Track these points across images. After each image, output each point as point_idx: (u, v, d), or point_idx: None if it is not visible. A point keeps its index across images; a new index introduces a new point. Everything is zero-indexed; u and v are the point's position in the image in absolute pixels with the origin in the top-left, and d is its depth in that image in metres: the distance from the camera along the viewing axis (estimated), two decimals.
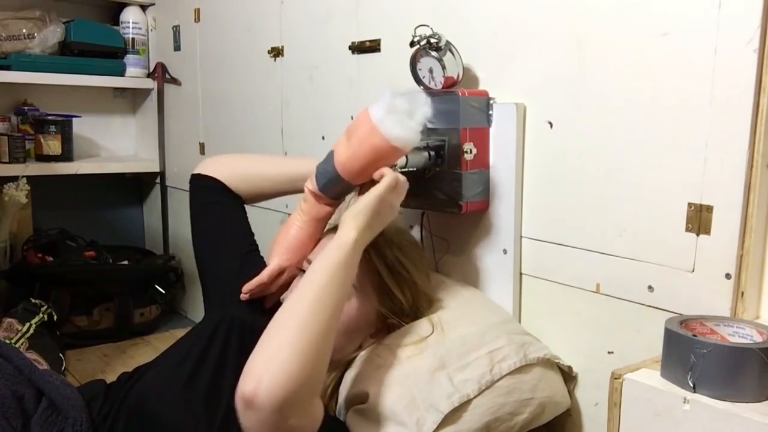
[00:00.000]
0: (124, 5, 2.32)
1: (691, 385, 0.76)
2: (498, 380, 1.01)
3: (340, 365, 1.09)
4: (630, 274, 1.02)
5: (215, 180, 1.24)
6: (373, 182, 1.03)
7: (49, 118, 2.16)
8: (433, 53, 1.16)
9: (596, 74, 1.04)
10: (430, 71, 1.18)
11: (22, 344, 1.62)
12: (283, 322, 0.88)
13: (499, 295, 1.20)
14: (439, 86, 1.18)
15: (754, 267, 0.91)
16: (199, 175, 1.26)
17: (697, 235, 0.94)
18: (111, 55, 2.28)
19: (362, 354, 1.07)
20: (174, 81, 2.26)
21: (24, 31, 2.09)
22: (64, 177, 2.19)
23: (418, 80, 1.21)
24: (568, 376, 1.12)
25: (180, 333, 1.27)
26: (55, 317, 1.80)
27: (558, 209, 1.12)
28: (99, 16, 2.37)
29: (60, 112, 2.23)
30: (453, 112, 1.14)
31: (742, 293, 0.91)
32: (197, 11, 2.07)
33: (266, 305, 1.13)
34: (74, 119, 2.23)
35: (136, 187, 2.56)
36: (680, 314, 0.91)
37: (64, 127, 2.17)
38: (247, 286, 1.11)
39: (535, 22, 1.12)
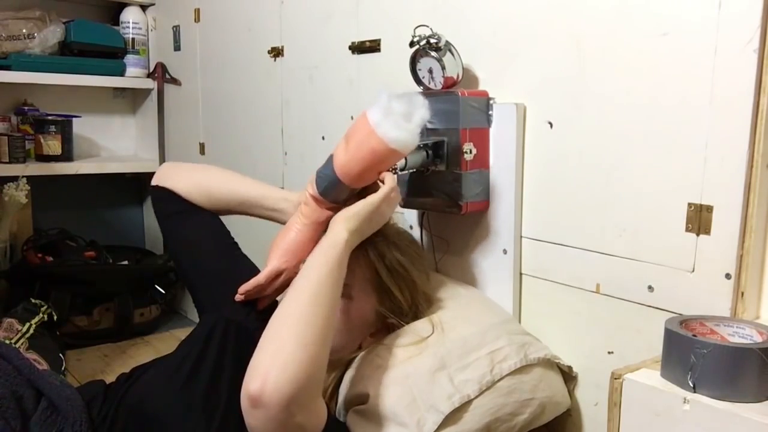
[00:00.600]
0: (124, 5, 2.32)
1: (691, 385, 0.76)
2: (498, 381, 1.01)
3: (339, 365, 1.09)
4: (630, 274, 1.02)
5: (173, 192, 1.22)
6: (373, 187, 1.04)
7: (49, 118, 2.16)
8: (433, 53, 1.16)
9: (596, 74, 1.04)
10: (430, 71, 1.18)
11: (22, 344, 1.62)
12: (284, 318, 0.89)
13: (499, 295, 1.20)
14: (439, 86, 1.18)
15: (754, 267, 0.91)
16: (157, 187, 1.24)
17: (697, 235, 0.94)
18: (111, 55, 2.28)
19: (362, 354, 1.06)
20: (174, 81, 2.26)
21: (24, 31, 2.09)
22: (64, 177, 2.19)
23: (418, 80, 1.21)
24: (568, 376, 1.12)
25: (180, 333, 1.27)
26: (55, 317, 1.80)
27: (558, 209, 1.12)
28: (99, 16, 2.37)
29: (60, 112, 2.23)
30: (453, 112, 1.14)
31: (742, 293, 0.91)
32: (197, 11, 2.07)
33: (260, 307, 1.12)
34: (74, 119, 2.23)
35: (136, 187, 2.56)
36: (680, 314, 0.91)
37: (64, 127, 2.17)
38: (244, 288, 1.11)
39: (535, 22, 1.12)
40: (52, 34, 2.12)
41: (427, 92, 1.20)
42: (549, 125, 1.12)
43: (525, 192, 1.17)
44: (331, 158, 1.05)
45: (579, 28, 1.06)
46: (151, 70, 2.34)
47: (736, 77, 0.88)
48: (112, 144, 2.50)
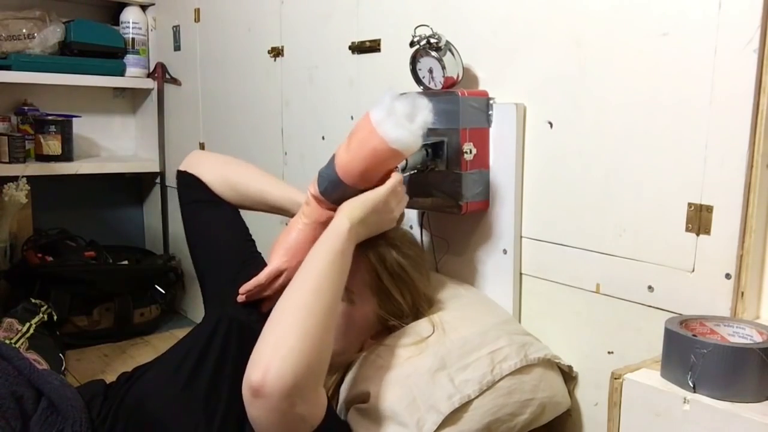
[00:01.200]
0: (124, 5, 2.32)
1: (691, 385, 0.76)
2: (499, 381, 1.01)
3: (341, 367, 1.09)
4: (630, 274, 1.02)
5: (200, 180, 1.22)
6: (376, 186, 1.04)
7: (49, 118, 2.16)
8: (433, 53, 1.16)
9: (596, 74, 1.04)
10: (430, 71, 1.18)
11: (22, 344, 1.62)
12: (287, 308, 0.89)
13: (499, 295, 1.20)
14: (439, 86, 1.18)
15: (754, 267, 0.91)
16: (185, 173, 1.25)
17: (697, 235, 0.94)
18: (111, 55, 2.28)
19: (363, 355, 1.06)
20: (174, 81, 2.26)
21: (24, 31, 2.09)
22: (64, 177, 2.19)
23: (418, 80, 1.21)
24: (568, 377, 1.12)
25: (180, 333, 1.27)
26: (55, 317, 1.81)
27: (558, 209, 1.12)
28: (99, 16, 2.37)
29: (60, 112, 2.23)
30: (453, 112, 1.14)
31: (742, 293, 0.91)
32: (197, 11, 2.07)
33: (263, 310, 1.11)
34: (74, 119, 2.23)
35: (136, 187, 2.56)
36: (680, 314, 0.91)
37: (64, 127, 2.17)
38: (245, 287, 1.10)
39: (535, 22, 1.12)
40: (52, 34, 2.12)
41: (427, 92, 1.20)
42: (549, 125, 1.12)
43: (525, 192, 1.17)
44: (333, 158, 1.05)
45: (579, 28, 1.06)
46: (151, 70, 2.35)
47: (736, 77, 0.88)
48: (112, 144, 2.50)
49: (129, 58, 2.31)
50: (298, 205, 1.14)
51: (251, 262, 1.18)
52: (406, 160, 1.10)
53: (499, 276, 1.20)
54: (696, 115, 0.92)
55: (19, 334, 1.64)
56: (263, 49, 1.77)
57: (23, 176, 2.01)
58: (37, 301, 1.80)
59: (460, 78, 1.18)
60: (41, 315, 1.75)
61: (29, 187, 2.00)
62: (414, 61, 1.20)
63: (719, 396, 0.74)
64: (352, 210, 0.99)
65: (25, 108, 2.21)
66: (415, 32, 1.17)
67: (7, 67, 2.06)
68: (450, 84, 1.17)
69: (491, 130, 1.18)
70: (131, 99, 2.51)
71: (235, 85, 1.93)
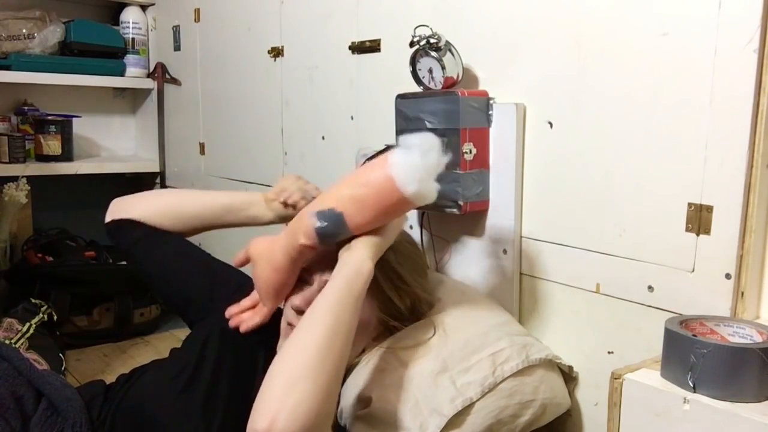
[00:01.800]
0: (124, 5, 2.32)
1: (691, 385, 0.76)
2: (500, 382, 1.01)
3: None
4: (630, 274, 1.02)
5: (130, 221, 1.20)
6: None
7: (49, 118, 2.16)
8: (433, 53, 1.16)
9: (596, 74, 1.04)
10: (430, 71, 1.18)
11: (22, 344, 1.62)
12: (299, 350, 0.83)
13: (499, 295, 1.20)
14: (439, 86, 1.18)
15: (754, 267, 0.91)
16: (113, 221, 1.21)
17: (697, 235, 0.94)
18: (111, 55, 2.28)
19: (364, 357, 1.06)
20: (174, 81, 2.26)
21: (24, 31, 2.09)
22: (64, 177, 2.18)
23: (418, 80, 1.21)
24: (569, 377, 1.12)
25: (180, 333, 1.27)
26: (55, 317, 1.80)
27: (558, 209, 1.12)
28: (99, 16, 2.37)
29: (60, 112, 2.23)
30: (453, 112, 1.14)
31: (742, 293, 0.91)
32: (197, 11, 2.07)
33: (242, 330, 1.05)
34: (74, 119, 2.23)
35: (136, 187, 2.55)
36: (680, 314, 0.91)
37: (64, 127, 2.17)
38: (230, 311, 1.07)
39: (535, 22, 1.12)
40: (52, 34, 2.12)
41: (427, 92, 1.20)
42: (549, 125, 1.12)
43: (525, 192, 1.16)
44: (334, 213, 0.93)
45: (579, 27, 1.06)
46: (151, 70, 2.34)
47: (736, 77, 0.88)
48: (112, 144, 2.50)
49: (129, 58, 2.31)
50: (239, 201, 1.13)
51: (217, 273, 1.19)
52: None
53: (499, 276, 1.20)
54: (696, 115, 0.92)
55: (19, 334, 1.64)
56: (263, 49, 1.77)
57: (23, 176, 2.01)
58: (37, 301, 1.79)
59: (460, 78, 1.18)
60: (41, 315, 1.74)
61: (29, 187, 2.00)
62: (414, 61, 1.20)
63: (719, 396, 0.74)
64: (372, 247, 0.93)
65: (25, 108, 2.21)
66: (415, 32, 1.17)
67: (7, 67, 2.06)
68: (450, 84, 1.17)
69: (491, 130, 1.18)
70: (131, 99, 2.51)
71: (235, 85, 1.93)
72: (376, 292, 1.06)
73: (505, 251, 1.18)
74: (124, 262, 2.22)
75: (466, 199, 1.15)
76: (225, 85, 1.98)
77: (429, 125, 1.17)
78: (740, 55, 0.87)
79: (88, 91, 2.37)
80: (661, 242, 0.98)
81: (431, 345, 1.03)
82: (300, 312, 1.03)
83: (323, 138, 1.61)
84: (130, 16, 2.31)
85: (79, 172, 2.20)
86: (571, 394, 1.13)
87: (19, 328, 1.66)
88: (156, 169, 2.37)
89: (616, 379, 0.82)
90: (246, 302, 1.07)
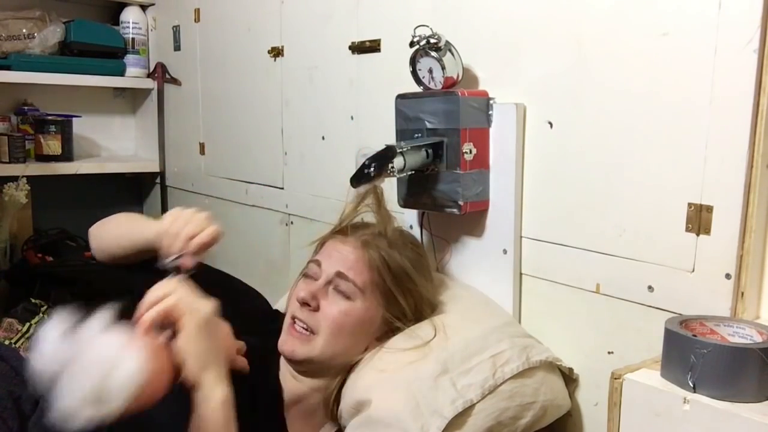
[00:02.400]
0: (124, 5, 2.32)
1: (691, 385, 0.76)
2: (501, 384, 1.01)
3: (344, 368, 1.09)
4: (630, 274, 1.02)
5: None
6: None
7: (49, 118, 2.16)
8: (433, 53, 1.16)
9: (596, 74, 1.04)
10: (430, 71, 1.18)
11: (22, 344, 1.62)
12: None
13: (499, 295, 1.20)
14: (439, 86, 1.18)
15: (754, 267, 0.91)
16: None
17: (697, 235, 0.94)
18: (111, 55, 2.28)
19: (365, 358, 1.07)
20: (174, 81, 2.26)
21: (24, 31, 2.09)
22: (64, 177, 2.18)
23: (418, 80, 1.21)
24: (569, 378, 1.12)
25: None
26: None
27: (558, 209, 1.12)
28: (99, 16, 2.37)
29: (60, 112, 2.22)
30: (453, 112, 1.14)
31: (742, 293, 0.91)
32: (197, 11, 2.07)
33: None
34: (74, 119, 2.23)
35: (136, 187, 2.56)
36: (680, 314, 0.91)
37: (64, 127, 2.17)
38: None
39: (535, 22, 1.12)
40: (52, 34, 2.12)
41: (427, 92, 1.20)
42: (549, 125, 1.12)
43: (525, 192, 1.16)
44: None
45: (579, 27, 1.06)
46: (151, 70, 2.34)
47: (736, 77, 0.88)
48: (112, 144, 2.50)
49: (129, 58, 2.31)
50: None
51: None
52: (405, 160, 1.10)
53: (499, 276, 1.20)
54: (696, 115, 0.92)
55: (19, 334, 1.64)
56: (263, 49, 1.77)
57: (23, 176, 2.01)
58: (37, 301, 1.79)
59: (460, 78, 1.18)
60: (41, 315, 1.74)
61: (29, 187, 2.00)
62: (414, 61, 1.20)
63: (719, 396, 0.74)
64: (211, 370, 0.88)
65: (25, 108, 2.21)
66: (415, 32, 1.17)
67: (7, 67, 2.05)
68: (450, 84, 1.17)
69: (491, 130, 1.18)
70: (131, 99, 2.51)
71: (235, 85, 1.93)
72: (383, 291, 1.07)
73: (505, 251, 1.18)
74: None
75: (466, 199, 1.15)
76: (225, 85, 1.98)
77: (429, 125, 1.17)
78: (740, 55, 0.87)
79: (88, 91, 2.36)
80: (661, 242, 0.98)
81: (432, 347, 1.03)
82: (304, 304, 1.04)
83: (323, 138, 1.61)
84: (130, 16, 2.30)
85: (79, 172, 2.20)
86: (571, 394, 1.13)
87: (19, 328, 1.66)
88: (156, 169, 2.37)
89: (616, 379, 0.82)
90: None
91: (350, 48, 1.49)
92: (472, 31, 1.22)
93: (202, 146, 2.12)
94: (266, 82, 1.78)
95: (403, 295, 1.08)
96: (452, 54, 1.17)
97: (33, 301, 1.79)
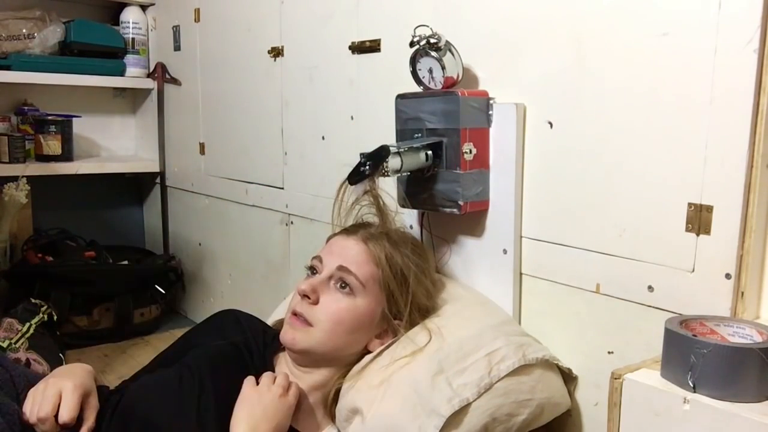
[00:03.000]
0: (124, 5, 2.32)
1: (691, 385, 0.76)
2: (496, 382, 1.01)
3: (344, 364, 1.09)
4: (630, 274, 1.02)
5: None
6: None
7: (49, 118, 2.16)
8: (433, 53, 1.16)
9: (596, 74, 1.04)
10: (430, 71, 1.18)
11: (22, 344, 1.62)
12: None
13: (499, 295, 1.20)
14: (439, 86, 1.18)
15: (754, 267, 0.91)
16: None
17: (697, 235, 0.94)
18: (111, 55, 2.28)
19: (362, 365, 1.07)
20: (174, 81, 2.26)
21: (24, 31, 2.09)
22: (64, 177, 2.19)
23: (418, 80, 1.21)
24: (568, 377, 1.12)
25: (180, 333, 1.28)
26: (55, 317, 1.80)
27: (558, 209, 1.12)
28: (99, 16, 2.37)
29: (60, 112, 2.22)
30: (453, 112, 1.14)
31: (742, 293, 0.91)
32: (197, 11, 2.07)
33: None
34: (74, 119, 2.23)
35: (136, 187, 2.56)
36: (680, 314, 0.91)
37: (64, 127, 2.17)
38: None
39: (535, 22, 1.12)
40: (52, 34, 2.12)
41: (427, 92, 1.20)
42: (549, 125, 1.12)
43: (525, 192, 1.16)
44: None
45: (579, 27, 1.06)
46: (151, 70, 2.34)
47: (736, 77, 0.88)
48: (112, 144, 2.50)
49: (129, 58, 2.31)
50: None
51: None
52: (402, 161, 1.10)
53: (499, 276, 1.20)
54: (696, 115, 0.92)
55: (19, 334, 1.64)
56: (263, 49, 1.77)
57: (23, 176, 2.01)
58: (37, 301, 1.79)
59: (460, 78, 1.18)
60: (41, 315, 1.74)
61: (29, 187, 2.00)
62: (414, 61, 1.20)
63: (719, 396, 0.74)
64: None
65: (25, 108, 2.21)
66: (415, 32, 1.17)
67: (7, 67, 2.06)
68: (450, 84, 1.17)
69: (491, 130, 1.18)
70: (131, 99, 2.51)
71: (235, 85, 1.93)
72: (383, 287, 1.07)
73: (505, 251, 1.18)
74: (125, 262, 2.23)
75: (466, 199, 1.15)
76: (225, 85, 1.98)
77: (429, 125, 1.17)
78: (740, 55, 0.87)
79: (88, 91, 2.37)
80: (661, 242, 0.98)
81: (428, 349, 1.03)
82: (304, 296, 1.05)
83: (323, 138, 1.61)
84: (130, 16, 2.31)
85: (79, 172, 2.20)
86: (571, 393, 1.13)
87: (19, 328, 1.66)
88: (156, 169, 2.37)
89: (616, 379, 0.82)
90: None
91: (350, 48, 1.49)
92: (472, 31, 1.22)
93: (202, 146, 2.12)
94: (266, 82, 1.78)
95: (403, 293, 1.08)
96: (452, 54, 1.17)
97: (33, 301, 1.79)
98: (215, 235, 2.10)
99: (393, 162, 1.09)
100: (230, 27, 1.93)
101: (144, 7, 2.33)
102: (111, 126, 2.49)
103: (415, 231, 1.33)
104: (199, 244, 2.20)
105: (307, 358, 1.08)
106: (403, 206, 1.26)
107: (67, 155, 2.18)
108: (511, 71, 1.17)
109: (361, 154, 1.10)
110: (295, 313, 1.07)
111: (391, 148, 1.09)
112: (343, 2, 1.51)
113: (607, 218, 1.05)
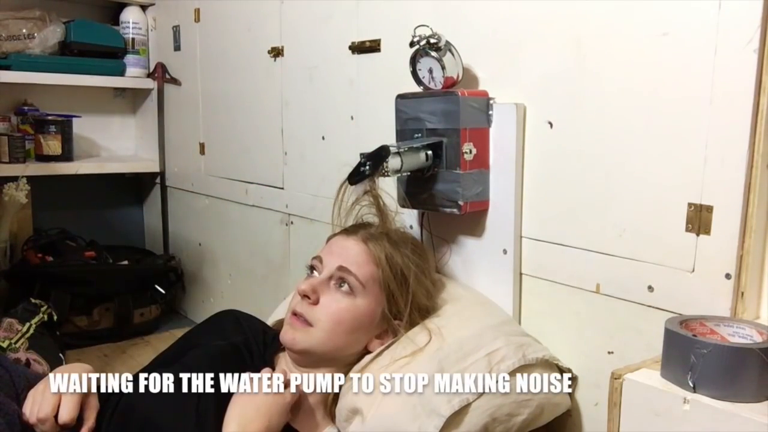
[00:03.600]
0: (124, 5, 2.32)
1: (691, 385, 0.76)
2: None
3: (343, 365, 1.09)
4: (630, 274, 1.02)
5: None
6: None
7: (49, 118, 2.16)
8: (433, 53, 1.16)
9: (596, 74, 1.04)
10: (430, 71, 1.18)
11: (22, 344, 1.62)
12: None
13: (499, 295, 1.20)
14: (439, 86, 1.18)
15: (754, 267, 0.91)
16: None
17: (697, 235, 0.94)
18: (111, 55, 2.28)
19: (362, 365, 1.07)
20: (174, 81, 2.26)
21: (24, 31, 2.09)
22: (64, 177, 2.19)
23: (418, 80, 1.21)
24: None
25: (180, 333, 1.28)
26: (55, 317, 1.80)
27: (558, 209, 1.12)
28: (99, 16, 2.37)
29: (60, 112, 2.22)
30: (453, 112, 1.14)
31: (742, 293, 0.91)
32: (197, 11, 2.07)
33: None
34: (74, 119, 2.23)
35: (136, 187, 2.56)
36: (680, 314, 0.91)
37: (64, 127, 2.17)
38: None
39: (535, 22, 1.12)
40: (52, 34, 2.12)
41: (427, 92, 1.20)
42: (549, 125, 1.12)
43: (525, 192, 1.16)
44: None
45: (579, 28, 1.06)
46: (151, 70, 2.34)
47: (736, 77, 0.88)
48: (112, 144, 2.50)
49: (129, 58, 2.31)
50: None
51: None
52: (402, 161, 1.10)
53: (499, 276, 1.20)
54: (696, 115, 0.92)
55: (19, 334, 1.64)
56: (263, 49, 1.77)
57: (23, 176, 2.01)
58: (37, 301, 1.79)
59: (460, 78, 1.18)
60: (41, 315, 1.74)
61: (29, 187, 2.00)
62: (414, 61, 1.20)
63: (719, 396, 0.74)
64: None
65: (25, 108, 2.21)
66: (415, 32, 1.17)
67: (7, 67, 2.06)
68: (450, 84, 1.17)
69: (491, 130, 1.18)
70: (131, 99, 2.51)
71: (235, 85, 1.93)
72: (383, 287, 1.07)
73: (505, 251, 1.18)
74: (125, 262, 2.23)
75: (466, 199, 1.15)
76: (225, 85, 1.98)
77: (429, 125, 1.17)
78: (740, 55, 0.87)
79: (88, 91, 2.37)
80: (661, 242, 0.98)
81: (428, 349, 1.03)
82: (304, 296, 1.05)
83: (323, 138, 1.61)
84: (130, 16, 2.31)
85: (79, 172, 2.20)
86: (571, 394, 1.13)
87: (19, 328, 1.66)
88: (156, 169, 2.37)
89: (616, 379, 0.82)
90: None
91: (350, 48, 1.49)
92: (472, 31, 1.22)
93: (202, 146, 2.12)
94: (266, 82, 1.78)
95: (403, 293, 1.08)
96: (452, 54, 1.17)
97: (33, 301, 1.79)
98: (215, 235, 2.10)
99: (393, 162, 1.09)
100: (230, 27, 1.93)
101: (144, 7, 2.33)
102: (111, 126, 2.49)
103: (415, 231, 1.33)
104: (199, 244, 2.20)
105: (307, 358, 1.08)
106: (403, 206, 1.25)
107: (67, 155, 2.18)
108: (511, 71, 1.17)
109: (361, 154, 1.10)
110: (295, 313, 1.07)
111: (391, 148, 1.09)
112: (343, 2, 1.51)
113: (607, 218, 1.05)
